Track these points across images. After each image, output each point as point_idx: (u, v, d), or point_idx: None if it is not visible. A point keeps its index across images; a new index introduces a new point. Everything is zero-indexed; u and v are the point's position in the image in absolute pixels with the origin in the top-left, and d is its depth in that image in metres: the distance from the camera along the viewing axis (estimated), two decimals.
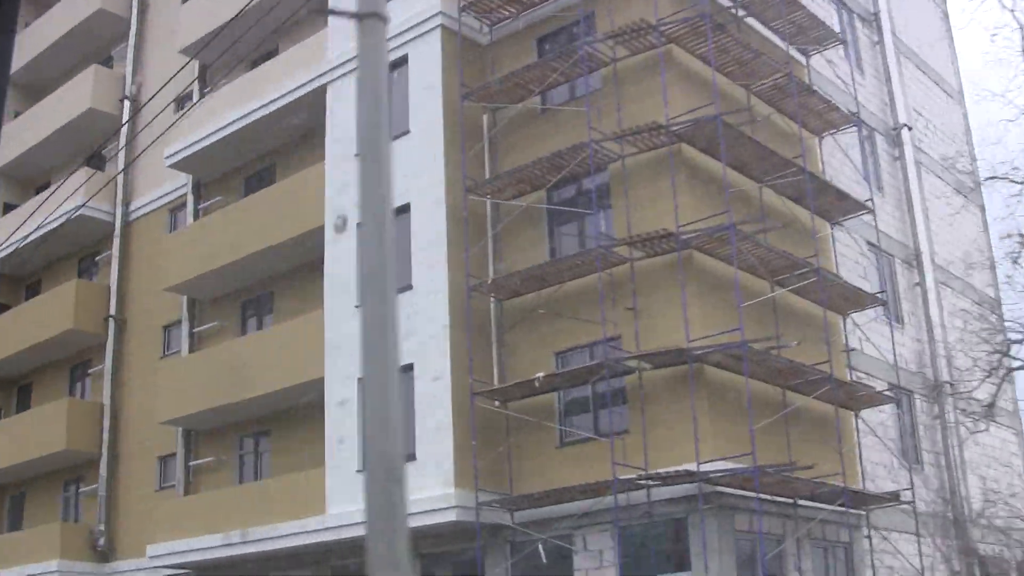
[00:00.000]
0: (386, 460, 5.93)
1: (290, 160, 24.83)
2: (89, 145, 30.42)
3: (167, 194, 27.94)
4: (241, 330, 25.19)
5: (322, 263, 22.93)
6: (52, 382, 29.77)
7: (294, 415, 22.95)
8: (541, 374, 17.64)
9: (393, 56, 21.47)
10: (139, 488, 26.52)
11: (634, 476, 16.57)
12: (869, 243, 23.12)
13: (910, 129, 25.59)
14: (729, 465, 16.39)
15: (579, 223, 19.52)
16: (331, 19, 23.11)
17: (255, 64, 26.94)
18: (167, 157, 25.84)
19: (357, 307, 20.88)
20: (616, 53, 19.13)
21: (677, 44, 18.57)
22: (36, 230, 29.42)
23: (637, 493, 17.06)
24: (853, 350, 20.78)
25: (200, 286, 25.37)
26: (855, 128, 22.91)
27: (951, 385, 23.38)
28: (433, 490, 18.53)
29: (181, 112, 25.81)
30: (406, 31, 21.27)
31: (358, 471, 19.84)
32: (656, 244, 17.49)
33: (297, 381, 21.84)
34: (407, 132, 20.82)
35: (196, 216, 26.79)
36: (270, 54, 26.30)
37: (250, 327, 25.13)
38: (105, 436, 27.21)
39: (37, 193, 32.17)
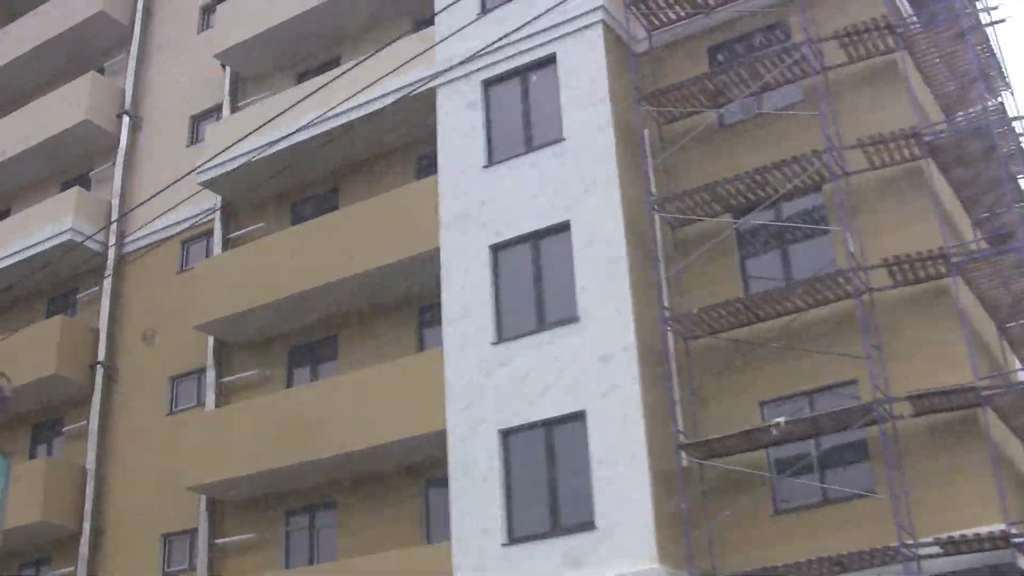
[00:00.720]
0: None
1: (365, 179, 21.14)
2: (76, 162, 25.82)
3: (179, 222, 23.38)
4: (287, 380, 20.93)
5: (417, 297, 19.38)
6: (8, 443, 24.32)
7: (376, 481, 18.85)
8: (782, 419, 14.44)
9: (534, 56, 18.54)
10: (132, 572, 21.44)
11: (928, 540, 13.46)
12: None
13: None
14: None
15: (782, 249, 16.65)
16: (438, 18, 20.04)
17: (302, 76, 23.35)
18: (198, 174, 21.60)
19: (495, 344, 17.50)
20: (826, 60, 16.68)
21: (911, 50, 16.26)
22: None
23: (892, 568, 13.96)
24: None
25: (236, 326, 21.05)
26: None
27: None
28: (625, 566, 14.89)
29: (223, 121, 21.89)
30: (553, 27, 18.31)
31: (504, 544, 16.00)
32: (918, 269, 14.78)
33: (396, 437, 17.86)
34: (560, 140, 17.69)
35: (225, 246, 22.54)
36: (328, 64, 22.83)
37: (299, 377, 20.90)
38: (88, 506, 22.09)
39: None
